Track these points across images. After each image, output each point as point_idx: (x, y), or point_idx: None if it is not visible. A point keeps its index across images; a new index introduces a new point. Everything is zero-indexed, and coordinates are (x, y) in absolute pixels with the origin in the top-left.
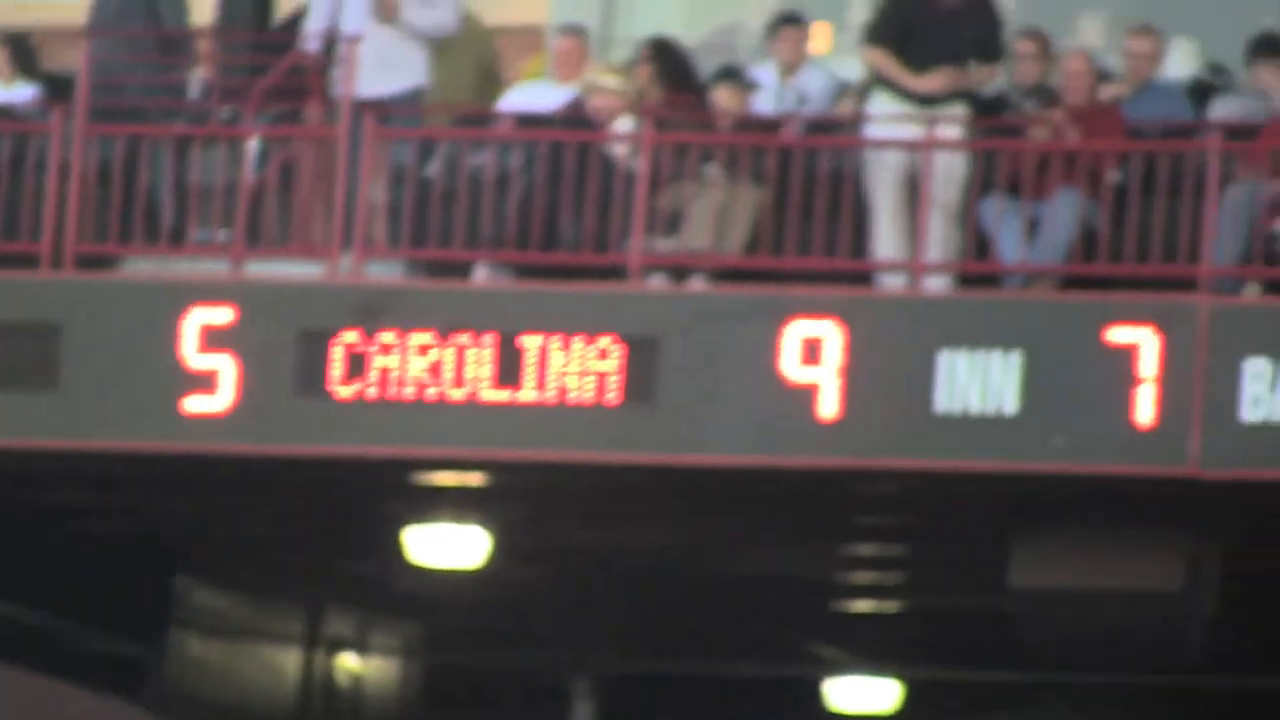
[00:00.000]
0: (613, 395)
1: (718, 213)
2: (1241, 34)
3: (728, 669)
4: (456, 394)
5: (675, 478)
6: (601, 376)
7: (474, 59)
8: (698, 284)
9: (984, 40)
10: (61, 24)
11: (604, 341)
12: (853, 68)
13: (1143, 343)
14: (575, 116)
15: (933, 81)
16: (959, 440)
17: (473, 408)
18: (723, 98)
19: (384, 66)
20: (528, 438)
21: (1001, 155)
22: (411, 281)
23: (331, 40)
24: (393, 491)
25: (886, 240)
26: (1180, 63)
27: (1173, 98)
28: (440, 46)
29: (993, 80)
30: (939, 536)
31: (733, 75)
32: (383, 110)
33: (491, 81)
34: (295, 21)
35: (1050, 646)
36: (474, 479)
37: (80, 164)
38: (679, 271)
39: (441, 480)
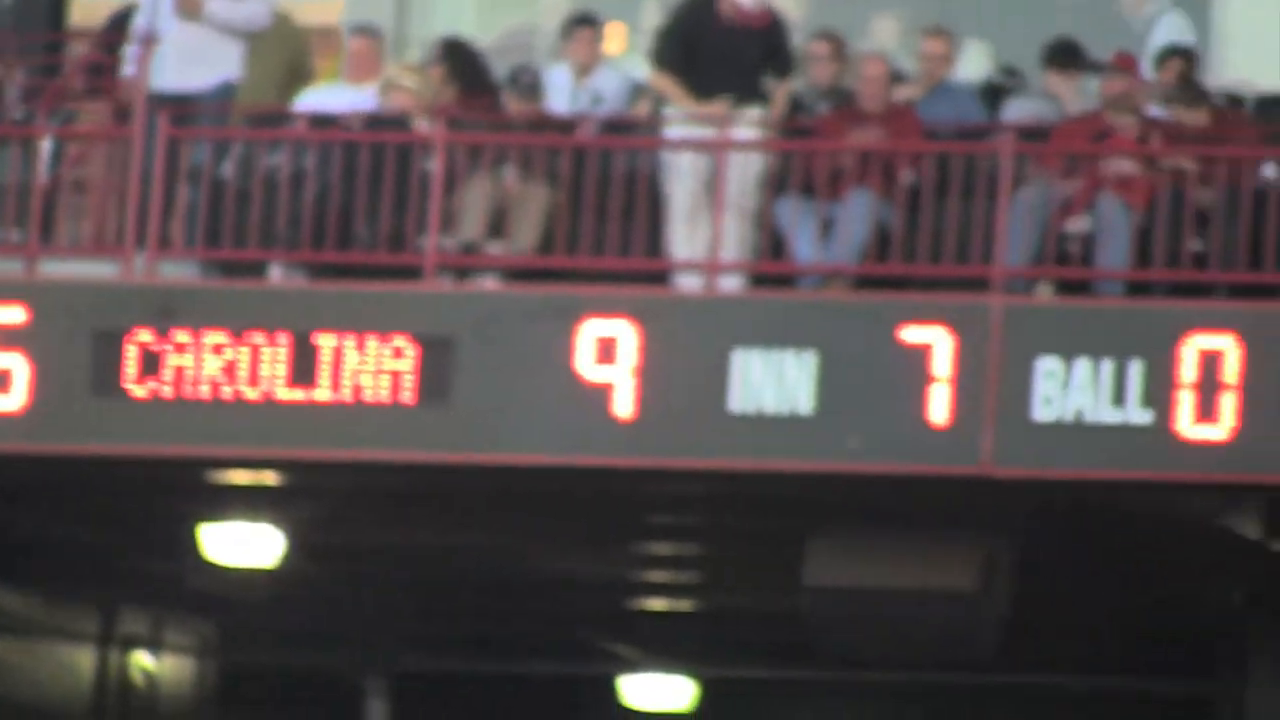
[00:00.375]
0: (408, 394)
1: (494, 209)
2: (1033, 36)
3: (524, 667)
4: (251, 393)
5: (471, 477)
6: (396, 376)
7: (285, 56)
8: (491, 283)
9: (771, 57)
10: None
11: (399, 341)
12: (646, 68)
13: (936, 342)
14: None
15: (717, 108)
16: (753, 440)
17: (268, 407)
18: (513, 101)
19: (193, 61)
20: (323, 437)
21: (796, 156)
22: (206, 281)
23: (147, 38)
24: (188, 490)
25: (682, 240)
26: (972, 64)
27: (965, 99)
28: (253, 42)
29: (785, 93)
30: (734, 535)
31: (522, 81)
32: (181, 109)
33: (302, 79)
34: (124, 19)
35: (845, 645)
36: (269, 478)
37: None
38: (463, 271)
39: (236, 479)
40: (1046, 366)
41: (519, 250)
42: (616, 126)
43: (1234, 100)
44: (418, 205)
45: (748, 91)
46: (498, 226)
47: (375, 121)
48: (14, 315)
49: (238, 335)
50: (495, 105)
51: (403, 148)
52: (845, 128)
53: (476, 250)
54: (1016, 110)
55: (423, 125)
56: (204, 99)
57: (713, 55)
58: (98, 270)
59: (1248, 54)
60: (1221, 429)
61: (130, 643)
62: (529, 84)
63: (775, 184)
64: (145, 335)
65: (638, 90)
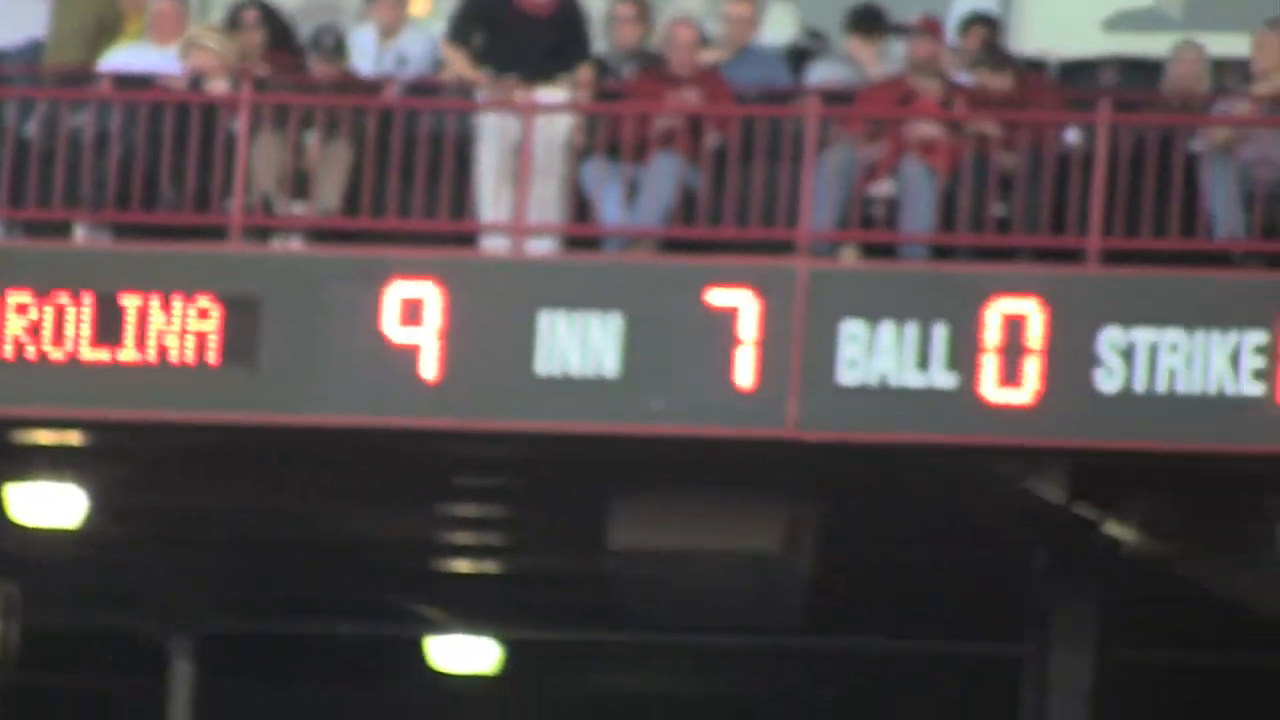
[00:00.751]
0: (213, 355)
1: (294, 170)
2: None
3: (330, 628)
4: (56, 353)
5: (276, 438)
6: (201, 336)
7: (94, 10)
8: (297, 244)
9: (568, 43)
10: None
11: (203, 301)
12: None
13: (742, 306)
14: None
15: (510, 85)
16: (559, 402)
17: (72, 367)
18: (317, 63)
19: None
20: (127, 397)
21: (602, 119)
22: (10, 241)
23: None
24: None
25: (489, 203)
26: (777, 28)
27: (770, 62)
28: None
29: (588, 76)
30: (539, 498)
31: (325, 43)
32: None
33: (112, 33)
34: None
35: (651, 607)
36: (73, 438)
37: None
38: (268, 232)
39: (40, 439)
40: (851, 330)
41: (323, 210)
42: (422, 88)
43: (1037, 66)
44: (223, 166)
45: (541, 74)
46: (301, 188)
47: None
48: None
49: (42, 295)
50: (301, 66)
51: (208, 108)
52: (655, 91)
53: (272, 206)
54: (821, 74)
55: (223, 86)
56: (11, 58)
57: (509, 35)
58: None
59: (1050, 20)
60: (1025, 393)
61: None
62: (331, 45)
63: (582, 147)
64: None
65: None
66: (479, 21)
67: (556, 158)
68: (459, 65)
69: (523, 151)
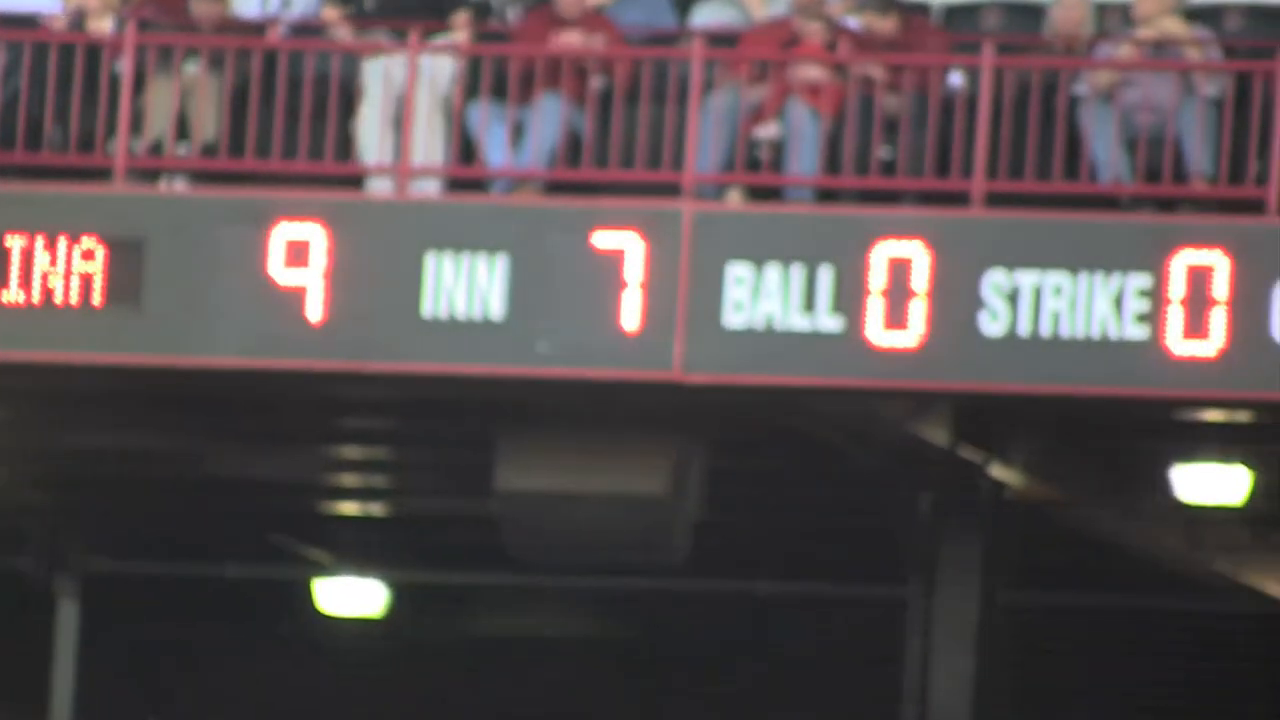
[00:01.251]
0: (97, 297)
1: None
2: None
3: (216, 570)
4: None
5: (162, 379)
6: (86, 278)
7: None
8: (181, 186)
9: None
10: None
11: (88, 243)
12: None
13: (628, 248)
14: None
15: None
16: (445, 344)
17: None
18: (199, 3)
19: None
20: (13, 339)
21: (487, 60)
22: None
23: None
24: None
25: (374, 145)
26: None
27: (656, 5)
28: None
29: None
30: (426, 440)
31: None
32: None
33: None
34: None
35: (538, 549)
36: None
37: None
38: (153, 173)
39: None
40: (737, 273)
41: (203, 143)
42: (308, 29)
43: (921, 9)
44: (108, 107)
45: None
46: (184, 128)
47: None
48: None
49: None
50: (184, 8)
51: (92, 48)
52: (542, 32)
53: (164, 151)
54: (706, 16)
55: (107, 25)
56: None
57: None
58: None
59: None
60: (910, 335)
61: None
62: None
63: (469, 89)
64: None
65: None
66: None
67: (441, 101)
68: (333, 22)
69: (407, 94)
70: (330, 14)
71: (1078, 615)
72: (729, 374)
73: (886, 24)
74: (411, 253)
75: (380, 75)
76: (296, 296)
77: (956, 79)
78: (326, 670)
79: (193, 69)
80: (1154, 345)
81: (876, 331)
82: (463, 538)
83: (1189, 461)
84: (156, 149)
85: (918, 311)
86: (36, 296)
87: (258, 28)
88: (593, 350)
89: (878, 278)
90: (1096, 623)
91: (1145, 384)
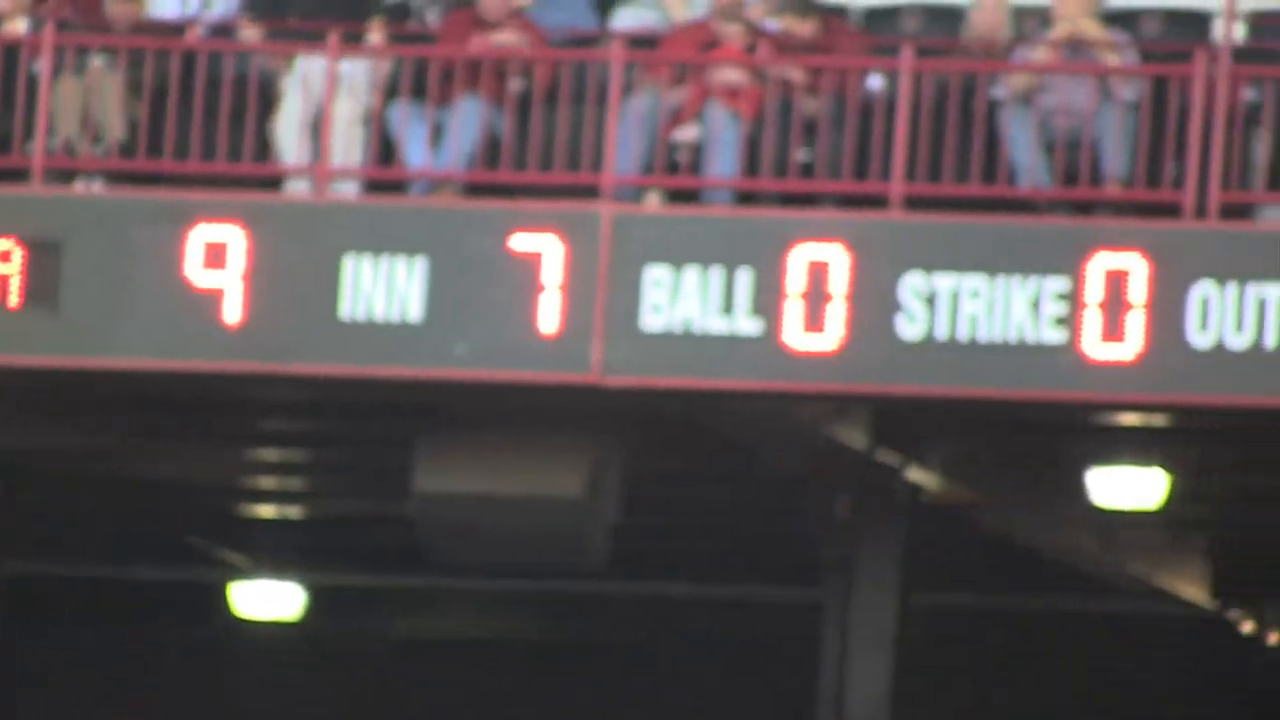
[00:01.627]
0: (14, 298)
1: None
2: None
3: (132, 573)
4: None
5: (79, 381)
6: (3, 279)
7: None
8: (99, 187)
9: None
10: None
11: (5, 244)
12: None
13: (546, 250)
14: None
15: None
16: (363, 346)
17: None
18: (114, 3)
19: None
20: None
21: (407, 61)
22: None
23: None
24: None
25: (291, 145)
26: None
27: (576, 7)
28: None
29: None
30: (344, 442)
31: None
32: None
33: None
34: None
35: (456, 552)
36: None
37: None
38: (68, 174)
39: None
40: (655, 275)
41: (114, 143)
42: (227, 30)
43: (841, 12)
44: (25, 108)
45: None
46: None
47: None
48: None
49: None
50: (99, 9)
51: (8, 48)
52: (464, 33)
53: (75, 150)
54: (627, 18)
55: (22, 26)
56: None
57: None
58: None
59: None
60: (828, 339)
61: None
62: None
63: (388, 90)
64: None
65: None
66: (278, 5)
67: (360, 103)
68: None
69: (325, 94)
70: (248, 29)
71: (995, 618)
72: (647, 377)
73: (805, 27)
74: (330, 254)
75: (299, 77)
76: (214, 298)
77: (875, 82)
78: (243, 674)
79: (100, 65)
80: (1071, 349)
81: (795, 334)
82: (380, 540)
83: (1106, 465)
84: (69, 150)
85: (836, 314)
86: None
87: (176, 28)
88: (511, 352)
89: (796, 280)
90: (1013, 625)
91: (1062, 387)
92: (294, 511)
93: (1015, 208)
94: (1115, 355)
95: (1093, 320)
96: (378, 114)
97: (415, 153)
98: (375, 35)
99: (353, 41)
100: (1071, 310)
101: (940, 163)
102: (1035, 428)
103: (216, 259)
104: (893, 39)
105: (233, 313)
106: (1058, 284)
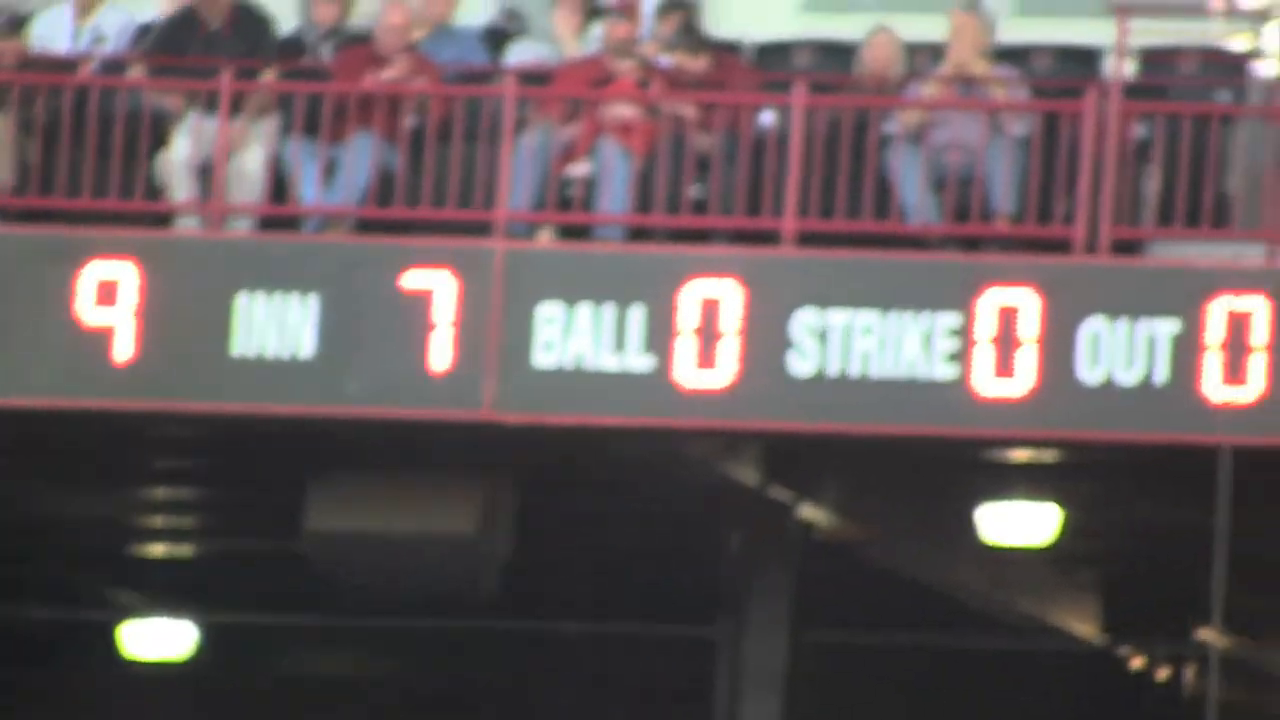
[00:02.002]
0: None
1: None
2: None
3: (21, 612)
4: None
5: None
6: None
7: None
8: None
9: (255, 50)
10: None
11: None
12: (154, 8)
13: (439, 287)
14: None
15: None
16: (255, 383)
17: None
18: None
19: None
20: None
21: (298, 98)
22: None
23: None
24: None
25: (183, 183)
26: (476, 8)
27: (468, 43)
28: None
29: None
30: (236, 479)
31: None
32: None
33: None
34: None
35: (349, 589)
36: None
37: None
38: None
39: None
40: (548, 312)
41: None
42: (120, 66)
43: (733, 48)
44: None
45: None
46: None
47: None
48: None
49: None
50: None
51: None
52: (358, 69)
53: None
54: (519, 54)
55: None
56: None
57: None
58: None
59: (746, 3)
60: (720, 375)
61: None
62: (9, 22)
63: (288, 126)
64: None
65: (142, 31)
66: (168, 46)
67: (254, 140)
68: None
69: (219, 131)
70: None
71: (887, 654)
72: (540, 413)
73: (698, 63)
74: (222, 292)
75: (192, 122)
76: (106, 335)
77: (768, 118)
78: (133, 714)
79: None
80: (963, 385)
81: (687, 371)
82: (273, 578)
83: (997, 500)
84: None
85: (728, 351)
86: None
87: (68, 64)
88: (403, 390)
89: (688, 317)
90: (905, 662)
91: (954, 423)
92: (187, 550)
93: (908, 244)
94: (1006, 391)
95: (984, 356)
96: (271, 149)
97: (308, 189)
98: (269, 74)
99: (247, 79)
100: (963, 346)
101: (833, 199)
102: (927, 464)
103: (108, 296)
104: (785, 75)
105: (124, 350)
106: (949, 320)
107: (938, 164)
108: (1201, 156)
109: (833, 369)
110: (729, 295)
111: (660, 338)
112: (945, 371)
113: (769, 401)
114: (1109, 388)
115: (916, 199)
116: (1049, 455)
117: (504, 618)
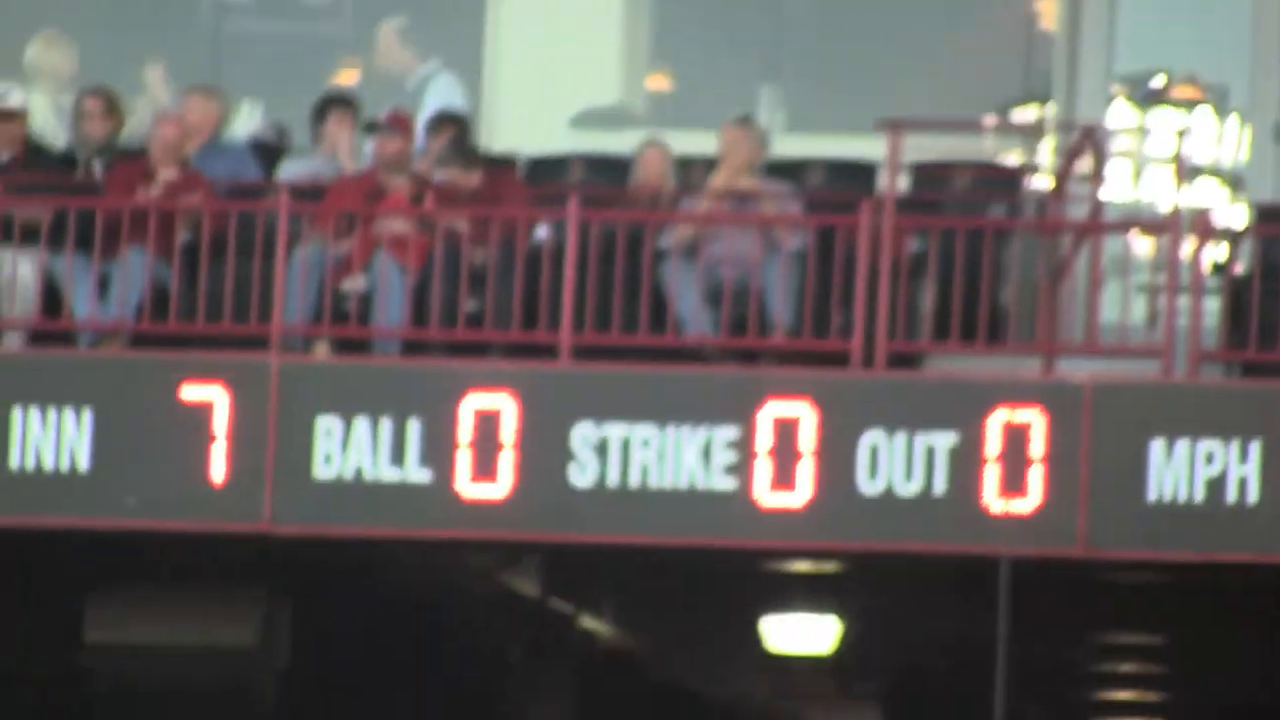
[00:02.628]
0: None
1: None
2: (305, 95)
3: None
4: None
5: None
6: None
7: None
8: None
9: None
10: None
11: None
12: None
13: (215, 400)
14: None
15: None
16: (30, 496)
17: None
18: None
19: None
20: None
21: (72, 213)
22: None
23: None
24: None
25: None
26: (243, 120)
27: (241, 157)
28: None
29: None
30: (11, 594)
31: None
32: None
33: None
34: None
35: (128, 704)
36: None
37: None
38: None
39: None
40: (326, 425)
41: None
42: None
43: (507, 163)
44: None
45: None
46: None
47: None
48: None
49: None
50: None
51: None
52: (131, 184)
53: None
54: (293, 169)
55: None
56: None
57: None
58: None
59: (519, 118)
60: (500, 487)
61: None
62: None
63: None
64: None
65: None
66: None
67: (26, 255)
68: None
69: None
70: None
71: None
72: (319, 525)
73: (472, 178)
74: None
75: None
76: None
77: (543, 231)
78: None
79: None
80: (742, 496)
81: (465, 483)
82: (50, 695)
83: (779, 611)
84: None
85: (507, 463)
86: None
87: None
88: (181, 503)
89: (466, 430)
90: None
91: (734, 535)
92: None
93: (685, 357)
94: (786, 503)
95: (763, 468)
96: (43, 264)
97: (82, 304)
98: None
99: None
100: (742, 458)
101: (609, 312)
102: (707, 575)
103: None
104: (559, 187)
105: None
106: (728, 432)
107: (713, 277)
108: (976, 270)
109: (612, 481)
110: (506, 408)
111: (439, 450)
112: (724, 483)
113: (548, 513)
114: (889, 498)
115: (692, 312)
116: (829, 566)
117: None
